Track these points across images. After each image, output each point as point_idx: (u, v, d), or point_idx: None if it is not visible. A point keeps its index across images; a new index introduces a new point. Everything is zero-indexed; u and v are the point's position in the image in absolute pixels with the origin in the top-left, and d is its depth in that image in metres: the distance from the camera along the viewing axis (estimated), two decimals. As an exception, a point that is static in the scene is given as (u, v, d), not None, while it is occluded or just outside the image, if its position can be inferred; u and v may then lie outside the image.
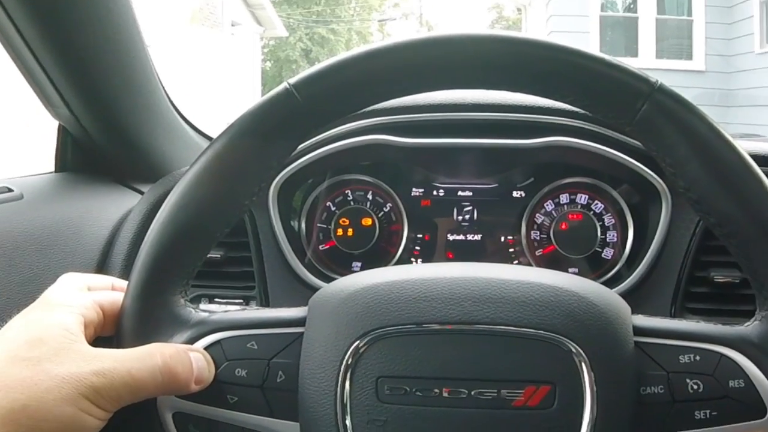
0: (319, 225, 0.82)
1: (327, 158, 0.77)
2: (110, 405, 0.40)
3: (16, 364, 0.38)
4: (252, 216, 0.77)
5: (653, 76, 0.42)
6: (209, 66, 8.20)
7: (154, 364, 0.41)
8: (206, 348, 0.44)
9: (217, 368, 0.44)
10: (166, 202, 0.44)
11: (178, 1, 8.00)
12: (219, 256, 0.76)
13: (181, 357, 0.42)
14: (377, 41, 0.48)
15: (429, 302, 0.42)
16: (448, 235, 0.82)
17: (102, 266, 0.71)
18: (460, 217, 0.81)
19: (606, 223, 0.80)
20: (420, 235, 0.82)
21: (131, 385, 0.40)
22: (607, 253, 0.79)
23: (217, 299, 0.76)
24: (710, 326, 0.44)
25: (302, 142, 0.46)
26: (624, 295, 0.70)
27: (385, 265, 0.81)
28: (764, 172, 0.41)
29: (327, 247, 0.82)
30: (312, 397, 0.42)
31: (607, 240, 0.79)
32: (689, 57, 7.73)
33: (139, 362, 0.41)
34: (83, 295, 0.45)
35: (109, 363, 0.40)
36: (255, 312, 0.48)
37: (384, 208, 0.82)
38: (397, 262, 0.81)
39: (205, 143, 0.90)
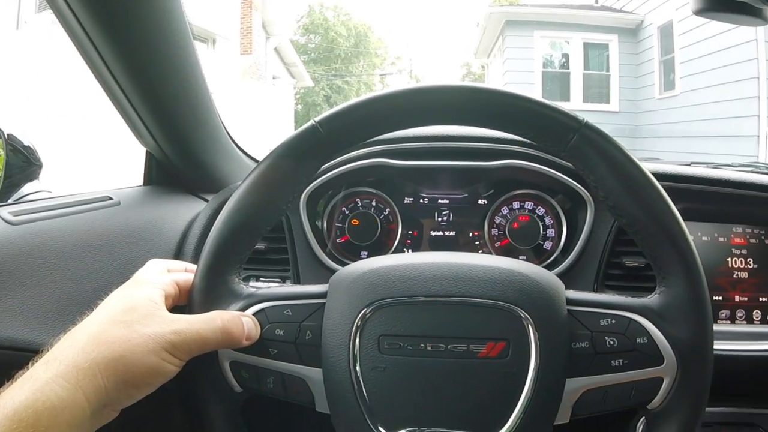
0: (336, 224, 0.82)
1: (342, 175, 0.77)
2: (184, 356, 0.40)
3: (115, 325, 0.38)
4: (288, 217, 0.77)
5: (581, 116, 0.42)
6: (256, 108, 8.19)
7: (216, 326, 0.41)
8: (254, 314, 0.44)
9: (262, 329, 0.44)
10: (224, 207, 0.44)
11: (235, 62, 8.02)
12: (263, 247, 0.75)
13: (235, 321, 0.42)
14: (379, 90, 0.48)
15: (417, 281, 0.42)
16: (431, 232, 0.81)
17: (178, 254, 0.71)
18: (440, 219, 0.81)
19: (546, 223, 0.80)
20: (410, 232, 0.82)
21: (199, 341, 0.40)
22: (547, 245, 0.79)
23: (262, 278, 0.76)
24: (622, 298, 0.44)
25: (325, 164, 0.46)
26: (559, 275, 0.70)
27: (385, 253, 0.81)
28: (662, 186, 0.42)
29: (342, 240, 0.82)
30: (331, 349, 0.42)
31: (548, 235, 0.79)
32: (607, 101, 7.75)
33: (205, 324, 0.41)
34: (164, 275, 0.45)
35: (183, 325, 0.40)
36: (289, 288, 0.48)
37: (384, 212, 0.82)
38: (394, 252, 0.81)
39: (252, 164, 0.90)
